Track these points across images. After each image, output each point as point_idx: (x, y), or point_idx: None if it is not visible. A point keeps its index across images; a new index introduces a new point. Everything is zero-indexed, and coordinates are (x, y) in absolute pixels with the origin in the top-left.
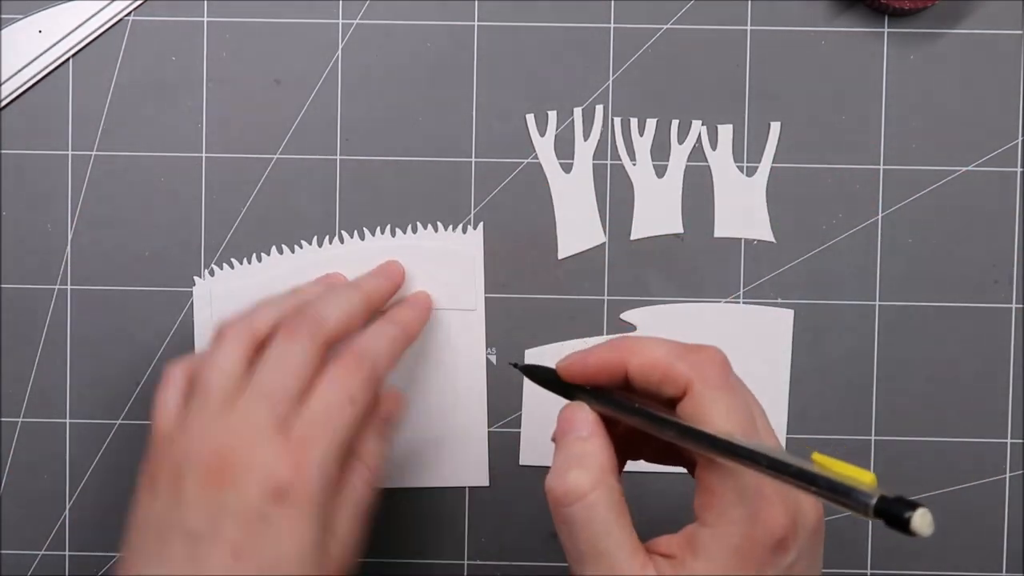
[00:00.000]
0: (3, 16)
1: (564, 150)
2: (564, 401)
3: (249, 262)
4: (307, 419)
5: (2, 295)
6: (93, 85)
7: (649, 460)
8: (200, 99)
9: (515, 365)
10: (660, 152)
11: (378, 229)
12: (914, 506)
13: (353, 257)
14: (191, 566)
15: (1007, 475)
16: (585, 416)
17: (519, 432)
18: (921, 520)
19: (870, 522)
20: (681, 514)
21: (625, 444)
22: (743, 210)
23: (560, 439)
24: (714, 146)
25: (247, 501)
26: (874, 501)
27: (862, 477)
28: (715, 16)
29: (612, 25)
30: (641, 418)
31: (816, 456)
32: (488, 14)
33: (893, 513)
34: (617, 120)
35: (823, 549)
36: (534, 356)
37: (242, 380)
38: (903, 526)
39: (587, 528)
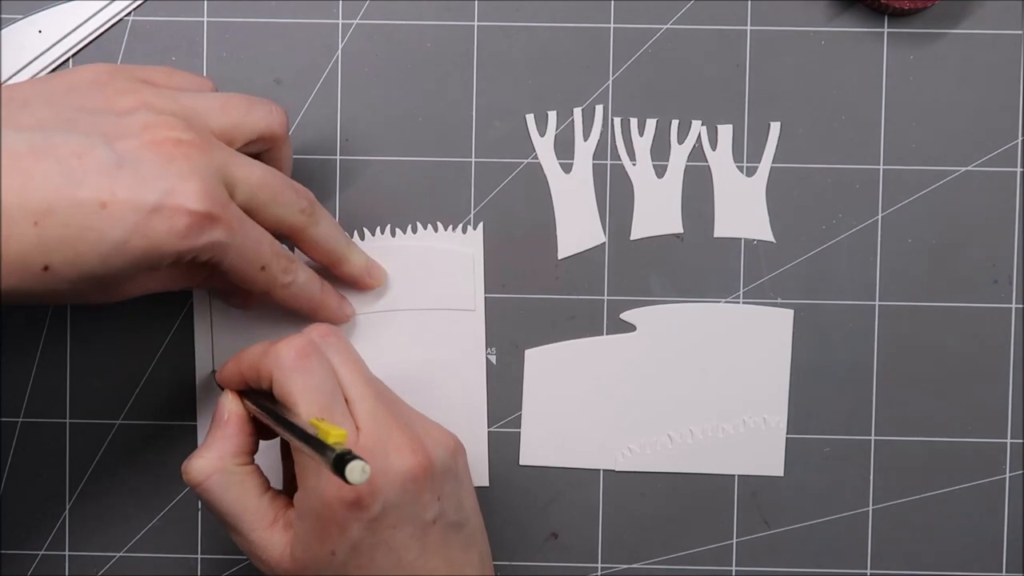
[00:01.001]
0: (3, 16)
1: (564, 150)
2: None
3: None
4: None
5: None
6: None
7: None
8: None
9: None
10: (660, 152)
11: (378, 229)
12: (351, 460)
13: None
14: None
15: (1007, 475)
16: (226, 404)
17: (519, 432)
18: (351, 471)
19: (869, 522)
20: (681, 514)
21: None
22: (743, 210)
23: (211, 424)
24: (714, 146)
25: (159, 181)
26: (333, 456)
27: (329, 438)
28: (715, 16)
29: (612, 25)
30: (255, 406)
31: (312, 420)
32: (488, 14)
33: (340, 465)
34: (617, 120)
35: (453, 487)
36: (534, 356)
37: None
38: (343, 476)
39: (211, 505)
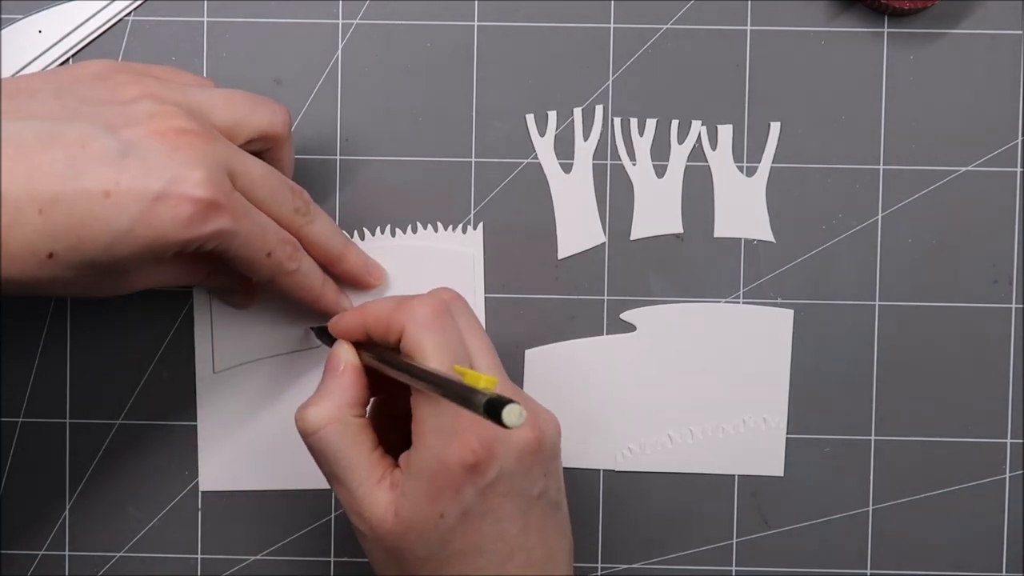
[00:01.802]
0: (3, 16)
1: (564, 150)
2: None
3: None
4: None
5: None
6: None
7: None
8: None
9: (312, 328)
10: (660, 152)
11: (378, 229)
12: (507, 403)
13: None
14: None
15: (1007, 475)
16: (341, 354)
17: None
18: (508, 414)
19: (869, 522)
20: (681, 514)
21: (379, 382)
22: (743, 210)
23: (324, 373)
24: (714, 146)
25: (164, 169)
26: (484, 400)
27: (479, 383)
28: (715, 16)
29: (612, 25)
30: (376, 359)
31: (456, 367)
32: (488, 14)
33: (494, 409)
34: (617, 120)
35: (557, 465)
36: (534, 356)
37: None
38: (499, 419)
39: (323, 456)
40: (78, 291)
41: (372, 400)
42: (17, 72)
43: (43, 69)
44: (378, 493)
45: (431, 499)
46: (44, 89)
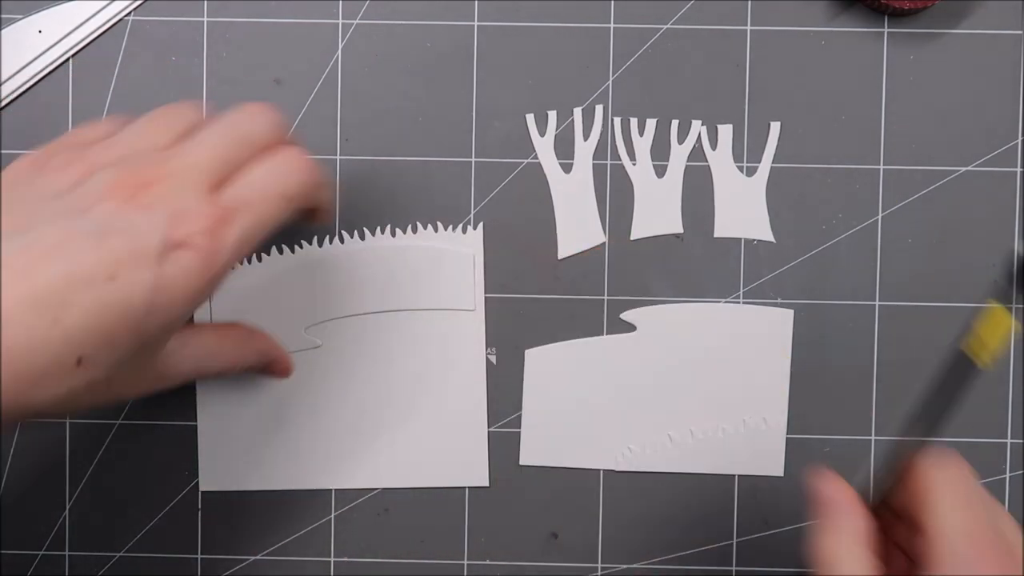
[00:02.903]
0: (3, 16)
1: (564, 150)
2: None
3: (249, 262)
4: (239, 189)
5: None
6: (93, 85)
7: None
8: (200, 99)
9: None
10: (660, 152)
11: (378, 229)
12: None
13: (353, 257)
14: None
15: (1007, 475)
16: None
17: (519, 432)
18: None
19: None
20: (681, 514)
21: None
22: (743, 210)
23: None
24: (714, 146)
25: (150, 231)
26: None
27: None
28: (715, 16)
29: (612, 25)
30: None
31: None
32: (488, 14)
33: None
34: (617, 120)
35: None
36: (534, 356)
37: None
38: None
39: None
40: (118, 392)
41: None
42: (17, 72)
43: (39, 72)
44: None
45: None
46: None
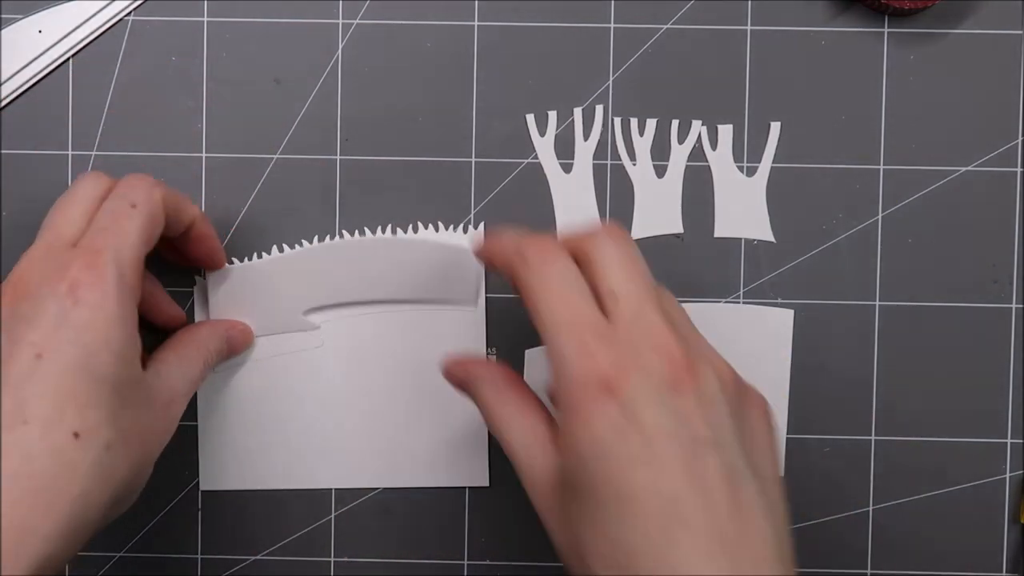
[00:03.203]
0: (3, 16)
1: (564, 150)
2: None
3: (250, 260)
4: (93, 230)
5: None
6: (93, 85)
7: None
8: (200, 99)
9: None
10: (660, 152)
11: (378, 229)
12: None
13: (353, 257)
14: None
15: (1007, 475)
16: None
17: None
18: None
19: (869, 522)
20: None
21: None
22: (743, 210)
23: None
24: (714, 146)
25: (43, 306)
26: None
27: None
28: (715, 16)
29: (612, 25)
30: None
31: None
32: (488, 14)
33: None
34: (617, 120)
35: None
36: (534, 356)
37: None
38: None
39: None
40: (147, 440)
41: None
42: (17, 72)
43: (39, 72)
44: None
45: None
46: None
